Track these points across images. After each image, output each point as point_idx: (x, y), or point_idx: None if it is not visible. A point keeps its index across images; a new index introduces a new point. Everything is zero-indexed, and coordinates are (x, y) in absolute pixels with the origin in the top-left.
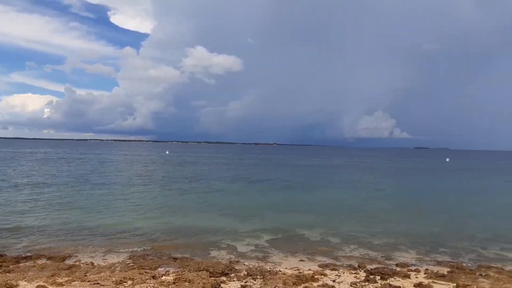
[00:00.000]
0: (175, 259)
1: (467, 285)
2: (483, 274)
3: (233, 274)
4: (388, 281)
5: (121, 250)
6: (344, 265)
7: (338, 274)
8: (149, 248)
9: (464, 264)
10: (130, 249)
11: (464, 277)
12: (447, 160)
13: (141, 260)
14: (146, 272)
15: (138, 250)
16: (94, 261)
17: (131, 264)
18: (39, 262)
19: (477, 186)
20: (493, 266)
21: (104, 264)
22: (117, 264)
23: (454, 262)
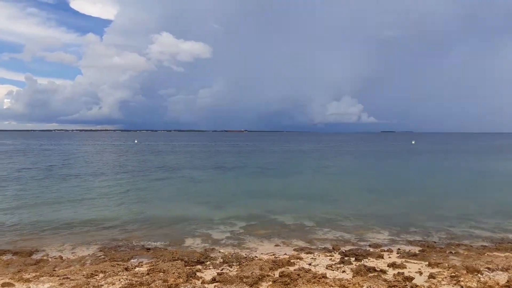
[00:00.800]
0: (148, 249)
1: (439, 263)
2: (453, 252)
3: (208, 262)
4: (362, 262)
5: (92, 243)
6: (319, 248)
7: (314, 257)
8: (121, 239)
9: (434, 242)
10: (101, 241)
11: (435, 255)
12: (413, 142)
13: (113, 252)
14: (118, 264)
15: (110, 242)
16: (63, 255)
17: (102, 256)
18: (4, 258)
19: (442, 167)
20: (462, 244)
21: (73, 258)
22: (88, 257)
23: (424, 241)
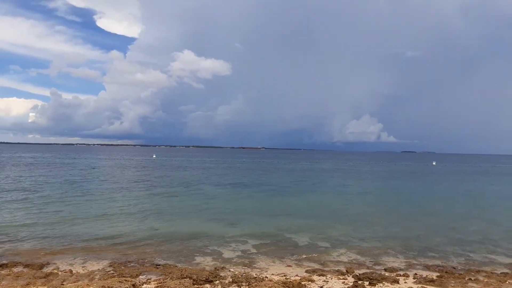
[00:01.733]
0: (157, 266)
1: None
2: (473, 278)
3: (217, 281)
4: (376, 287)
5: (103, 258)
6: (332, 270)
7: (326, 280)
8: (131, 255)
9: (453, 268)
10: (112, 256)
11: (453, 281)
12: (434, 163)
13: (122, 267)
14: (126, 280)
15: (120, 257)
16: (73, 269)
17: (112, 271)
18: (15, 270)
19: (463, 189)
20: (482, 270)
21: (83, 272)
22: (97, 272)
23: (443, 266)
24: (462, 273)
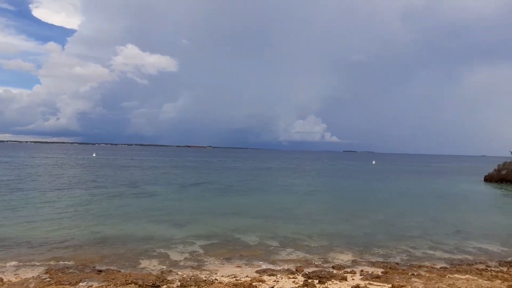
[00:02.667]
0: (99, 271)
1: (402, 286)
2: (415, 273)
3: (165, 286)
4: (326, 285)
5: (38, 263)
6: (282, 269)
7: (277, 280)
8: (70, 260)
9: (396, 264)
10: (48, 262)
11: (398, 277)
12: (373, 162)
13: (60, 274)
14: None
15: (58, 263)
16: (4, 277)
17: (48, 279)
18: None
19: (401, 187)
20: (423, 265)
21: (15, 280)
22: (31, 280)
23: (387, 263)
24: (405, 268)
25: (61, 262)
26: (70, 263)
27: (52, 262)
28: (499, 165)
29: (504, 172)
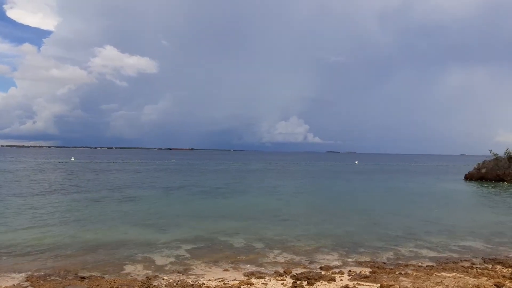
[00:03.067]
0: (82, 278)
1: (391, 285)
2: (403, 272)
3: None
4: (315, 286)
5: (17, 271)
6: (270, 272)
7: (265, 282)
8: (51, 267)
9: (384, 263)
10: (28, 269)
11: (386, 277)
12: (356, 162)
13: (41, 281)
14: None
15: (39, 270)
16: None
17: (29, 287)
18: None
19: (384, 187)
20: (410, 264)
21: None
22: None
23: (374, 262)
24: (393, 267)
25: (42, 270)
26: (52, 270)
27: (33, 270)
28: (479, 163)
29: (484, 170)
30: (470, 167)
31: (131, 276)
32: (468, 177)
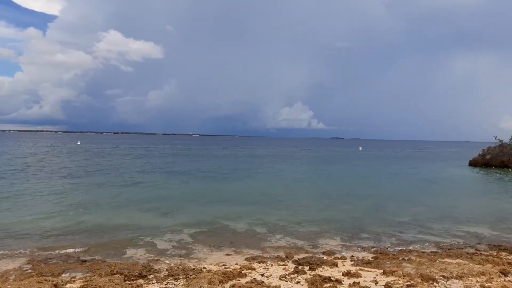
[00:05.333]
0: (83, 261)
1: (393, 271)
2: (406, 258)
3: (152, 276)
4: (317, 271)
5: (18, 254)
6: (272, 256)
7: (267, 267)
8: (53, 250)
9: (386, 249)
10: (29, 253)
11: (389, 262)
12: (360, 149)
13: (42, 265)
14: (47, 280)
15: (40, 253)
16: None
17: (30, 270)
18: None
19: (388, 173)
20: (413, 250)
21: None
22: (12, 272)
23: (377, 248)
24: (396, 253)
25: (44, 253)
26: (53, 253)
27: (34, 253)
28: (483, 150)
29: (488, 156)
30: (474, 154)
31: (133, 260)
32: (473, 163)
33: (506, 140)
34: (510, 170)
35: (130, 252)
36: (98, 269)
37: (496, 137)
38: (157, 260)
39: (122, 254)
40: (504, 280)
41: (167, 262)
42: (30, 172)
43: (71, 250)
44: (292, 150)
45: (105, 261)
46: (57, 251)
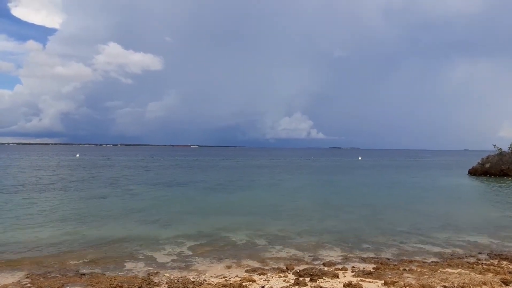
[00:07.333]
0: (82, 275)
1: (395, 282)
2: (407, 268)
3: None
4: (318, 283)
5: (17, 268)
6: (272, 268)
7: (267, 279)
8: (52, 264)
9: (387, 259)
10: (28, 267)
11: (390, 273)
12: (360, 158)
13: (41, 279)
14: None
15: (39, 267)
16: None
17: (29, 285)
18: None
19: (388, 182)
20: (414, 260)
21: None
22: (11, 286)
23: (378, 258)
24: (397, 263)
25: (42, 266)
26: (51, 267)
27: (33, 266)
28: (482, 158)
29: (488, 165)
30: (473, 162)
31: (132, 273)
32: (472, 172)
33: (505, 148)
34: (510, 178)
35: (129, 264)
36: (98, 283)
37: (495, 145)
38: (157, 272)
39: (121, 267)
40: None
41: (167, 275)
42: (28, 185)
43: (70, 263)
44: (291, 160)
45: (104, 274)
46: (55, 265)
